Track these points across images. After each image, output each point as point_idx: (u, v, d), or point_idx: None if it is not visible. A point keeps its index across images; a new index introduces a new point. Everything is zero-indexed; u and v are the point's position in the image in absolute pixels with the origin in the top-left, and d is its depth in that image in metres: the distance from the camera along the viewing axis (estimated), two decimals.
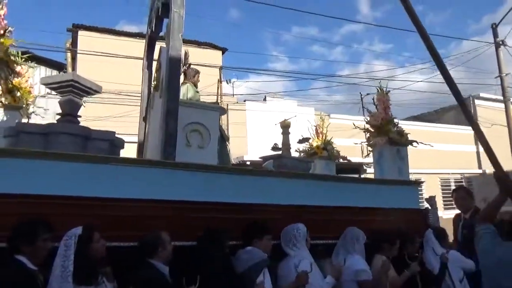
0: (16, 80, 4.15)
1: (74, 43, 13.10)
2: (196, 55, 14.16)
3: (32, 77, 4.60)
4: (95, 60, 11.73)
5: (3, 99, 3.96)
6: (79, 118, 3.71)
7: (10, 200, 2.50)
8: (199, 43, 14.97)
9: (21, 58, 3.78)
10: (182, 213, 2.97)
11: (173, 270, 2.65)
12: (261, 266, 2.99)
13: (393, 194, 4.22)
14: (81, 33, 13.28)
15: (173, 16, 3.39)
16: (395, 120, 4.49)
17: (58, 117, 3.67)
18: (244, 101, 15.20)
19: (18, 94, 4.17)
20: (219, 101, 13.53)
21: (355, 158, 10.30)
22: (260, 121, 13.86)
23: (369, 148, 4.82)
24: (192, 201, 3.03)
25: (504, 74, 13.73)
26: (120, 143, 3.79)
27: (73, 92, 3.65)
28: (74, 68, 12.49)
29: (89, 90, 3.76)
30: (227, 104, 13.88)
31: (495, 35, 13.96)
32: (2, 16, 2.89)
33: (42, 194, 2.57)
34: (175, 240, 2.80)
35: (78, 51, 12.58)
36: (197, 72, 4.78)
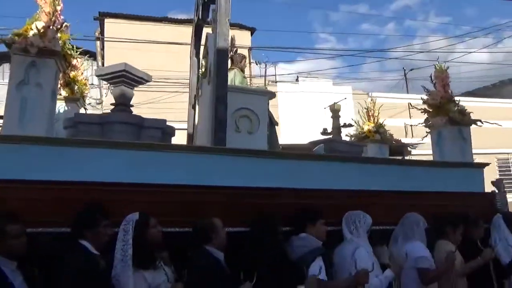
0: (72, 73, 4.34)
1: (102, 31, 12.96)
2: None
3: (86, 70, 4.78)
4: (123, 47, 11.43)
5: (63, 92, 4.16)
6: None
7: (71, 187, 2.61)
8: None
9: (76, 51, 3.93)
10: (234, 199, 2.95)
11: (228, 256, 2.64)
12: (315, 254, 2.89)
13: (456, 177, 3.95)
14: (108, 21, 12.94)
15: (220, 1, 3.34)
16: (456, 98, 4.17)
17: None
18: (276, 82, 14.15)
19: (76, 86, 4.35)
20: (248, 83, 13.11)
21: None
22: (293, 103, 12.93)
23: (426, 129, 4.53)
24: (244, 187, 3.00)
25: None
26: (171, 131, 3.84)
27: (125, 82, 3.74)
28: (103, 57, 12.50)
29: (140, 79, 3.84)
30: (257, 87, 13.35)
31: None
32: (59, 12, 2.99)
33: (101, 182, 2.66)
34: (228, 226, 2.80)
35: (108, 39, 12.33)
36: (244, 57, 4.73)
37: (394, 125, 9.15)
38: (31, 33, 2.83)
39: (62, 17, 3.06)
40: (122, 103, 3.73)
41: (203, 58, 4.26)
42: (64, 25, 3.03)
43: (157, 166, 2.87)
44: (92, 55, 14.36)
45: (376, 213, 3.43)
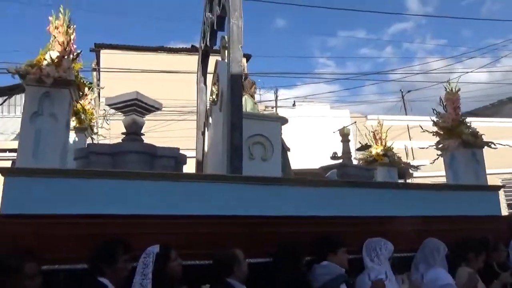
0: (80, 103, 4.29)
1: (98, 62, 13.26)
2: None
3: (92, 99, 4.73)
4: (119, 77, 11.62)
5: (73, 122, 4.10)
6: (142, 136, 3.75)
7: (87, 221, 2.51)
8: (217, 50, 14.58)
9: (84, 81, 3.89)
10: (254, 229, 2.86)
11: None
12: (339, 282, 2.82)
13: (471, 200, 3.88)
14: (104, 52, 13.37)
15: (232, 27, 3.35)
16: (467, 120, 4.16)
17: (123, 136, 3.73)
18: (272, 107, 14.32)
19: (83, 116, 4.29)
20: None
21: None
22: (291, 128, 13.07)
23: (438, 152, 4.50)
24: (263, 216, 2.91)
25: None
26: (183, 159, 3.77)
27: (136, 110, 3.70)
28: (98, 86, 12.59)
29: (151, 107, 3.80)
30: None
31: None
32: (72, 41, 2.97)
33: (117, 214, 2.56)
34: (248, 257, 2.70)
35: (108, 70, 12.50)
36: (254, 83, 4.73)
37: (394, 147, 9.04)
38: (44, 63, 2.79)
39: (75, 46, 3.04)
40: (134, 132, 3.68)
41: (213, 84, 4.24)
42: (77, 54, 3.00)
43: (173, 196, 2.78)
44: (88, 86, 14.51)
45: (395, 240, 3.35)
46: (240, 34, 3.37)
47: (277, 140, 3.72)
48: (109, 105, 3.73)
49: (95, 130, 4.64)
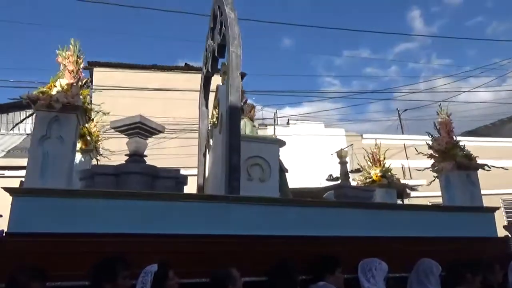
0: (86, 126, 4.47)
1: (91, 80, 13.01)
2: (216, 82, 14.10)
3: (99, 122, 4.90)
4: (109, 95, 11.21)
5: (79, 144, 4.27)
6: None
7: (88, 239, 2.62)
8: (217, 69, 14.59)
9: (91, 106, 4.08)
10: (250, 248, 2.96)
11: None
12: None
13: (467, 222, 3.95)
14: (97, 70, 13.56)
15: (231, 56, 3.53)
16: (461, 143, 4.27)
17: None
18: (266, 126, 14.27)
19: (89, 138, 4.47)
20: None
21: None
22: (285, 146, 12.88)
23: (434, 174, 4.59)
24: (259, 235, 3.01)
25: None
26: (184, 180, 3.90)
27: (139, 133, 3.86)
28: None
29: (154, 130, 3.96)
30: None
31: None
32: (81, 69, 3.16)
33: (117, 233, 2.68)
34: (244, 275, 2.78)
35: (106, 88, 12.65)
36: (253, 107, 4.90)
37: (391, 167, 9.11)
38: (54, 90, 2.98)
39: (83, 74, 3.23)
40: (137, 153, 3.83)
41: (214, 108, 4.41)
42: (85, 81, 3.19)
43: (172, 216, 2.90)
44: None
45: (390, 260, 3.41)
46: (239, 62, 3.55)
47: (275, 161, 3.85)
48: (113, 128, 3.90)
49: (100, 152, 4.80)
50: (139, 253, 2.67)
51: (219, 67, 4.85)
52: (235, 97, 3.43)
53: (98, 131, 4.57)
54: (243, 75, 15.29)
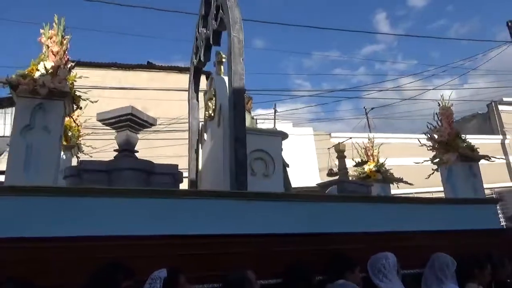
0: (66, 120, 4.05)
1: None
2: (181, 81, 13.55)
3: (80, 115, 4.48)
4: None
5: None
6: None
7: (84, 243, 2.27)
8: (181, 68, 14.20)
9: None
10: (263, 248, 2.69)
11: None
12: None
13: (472, 214, 3.86)
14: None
15: (233, 40, 3.26)
16: (463, 135, 4.20)
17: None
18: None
19: (70, 133, 4.05)
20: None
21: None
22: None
23: (434, 167, 4.50)
24: (273, 234, 2.75)
25: None
26: (180, 176, 3.59)
27: (130, 126, 3.52)
28: None
29: (145, 123, 3.63)
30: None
31: None
32: (66, 52, 2.79)
33: (119, 235, 2.34)
34: (258, 278, 2.52)
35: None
36: (250, 98, 4.64)
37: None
38: (37, 74, 2.60)
39: (68, 56, 2.86)
40: (127, 149, 3.48)
41: (208, 100, 4.11)
42: (73, 65, 2.82)
43: (178, 214, 2.59)
44: None
45: (400, 256, 3.26)
46: (241, 48, 3.29)
47: (278, 155, 3.61)
48: (100, 120, 3.53)
49: (82, 149, 4.38)
50: (143, 257, 2.36)
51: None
52: (239, 85, 3.16)
53: (79, 126, 4.15)
54: (208, 75, 14.81)
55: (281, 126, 13.53)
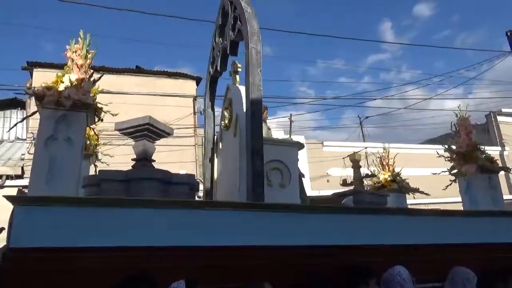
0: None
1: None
2: (169, 86, 13.71)
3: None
4: None
5: None
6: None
7: (108, 254, 2.30)
8: (170, 73, 14.38)
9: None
10: (281, 260, 2.68)
11: None
12: None
13: (494, 227, 3.79)
14: (37, 70, 12.59)
15: (251, 52, 3.28)
16: (481, 147, 4.14)
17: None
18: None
19: (88, 142, 4.11)
20: (193, 133, 12.97)
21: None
22: None
23: (451, 178, 4.44)
24: (292, 246, 2.75)
25: None
26: (196, 186, 3.61)
27: (147, 135, 3.56)
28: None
29: (162, 133, 3.67)
30: (202, 138, 13.00)
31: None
32: (89, 65, 2.85)
33: (141, 246, 2.36)
34: None
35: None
36: (266, 108, 4.65)
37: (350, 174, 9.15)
38: (61, 86, 2.66)
39: (91, 70, 2.92)
40: (145, 158, 3.52)
41: (224, 109, 4.14)
42: (99, 77, 2.88)
43: (196, 226, 2.60)
44: (18, 104, 13.65)
45: (419, 269, 3.21)
46: (259, 58, 3.31)
47: (294, 165, 3.61)
48: (119, 129, 3.58)
49: (99, 157, 4.44)
50: (162, 268, 2.37)
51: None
52: (257, 96, 3.18)
53: (97, 135, 4.22)
54: (198, 80, 14.51)
55: (274, 134, 13.70)
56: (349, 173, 5.39)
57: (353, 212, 3.18)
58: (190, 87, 14.74)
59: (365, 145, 15.21)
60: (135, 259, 2.31)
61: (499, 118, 16.75)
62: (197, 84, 14.99)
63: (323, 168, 13.90)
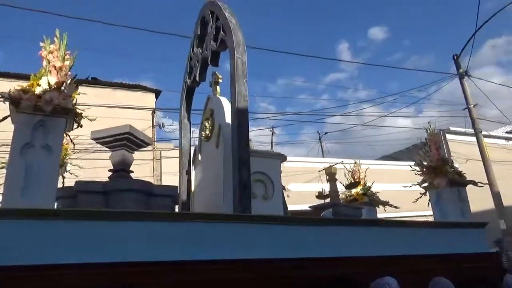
0: None
1: None
2: (128, 99, 13.53)
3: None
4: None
5: None
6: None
7: (90, 271, 2.13)
8: (129, 85, 14.27)
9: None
10: (268, 274, 2.62)
11: None
12: None
13: (462, 238, 3.95)
14: None
15: (237, 62, 3.26)
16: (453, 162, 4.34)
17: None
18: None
19: None
20: (152, 147, 12.80)
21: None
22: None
23: (420, 191, 4.60)
24: (277, 259, 2.69)
25: (472, 105, 13.67)
26: (177, 198, 3.49)
27: (126, 145, 3.41)
28: None
29: (142, 142, 3.53)
30: (160, 152, 13.23)
31: (458, 66, 13.99)
32: (69, 68, 2.68)
33: (124, 262, 2.21)
34: None
35: None
36: None
37: (309, 190, 9.27)
38: (38, 89, 2.47)
39: (70, 72, 2.74)
40: (123, 169, 3.36)
41: (205, 120, 4.06)
42: (79, 82, 2.71)
43: (176, 238, 2.47)
44: None
45: (399, 280, 3.26)
46: (245, 69, 3.28)
47: (278, 178, 3.58)
48: (95, 139, 3.40)
49: (67, 168, 4.18)
50: (146, 284, 2.24)
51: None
52: (243, 106, 3.14)
53: (73, 142, 3.96)
54: (157, 93, 14.56)
55: None
56: (322, 187, 5.45)
57: (342, 224, 3.19)
58: (149, 99, 14.58)
59: (325, 160, 15.58)
60: (115, 275, 2.15)
61: (448, 136, 17.74)
62: (157, 97, 14.87)
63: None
